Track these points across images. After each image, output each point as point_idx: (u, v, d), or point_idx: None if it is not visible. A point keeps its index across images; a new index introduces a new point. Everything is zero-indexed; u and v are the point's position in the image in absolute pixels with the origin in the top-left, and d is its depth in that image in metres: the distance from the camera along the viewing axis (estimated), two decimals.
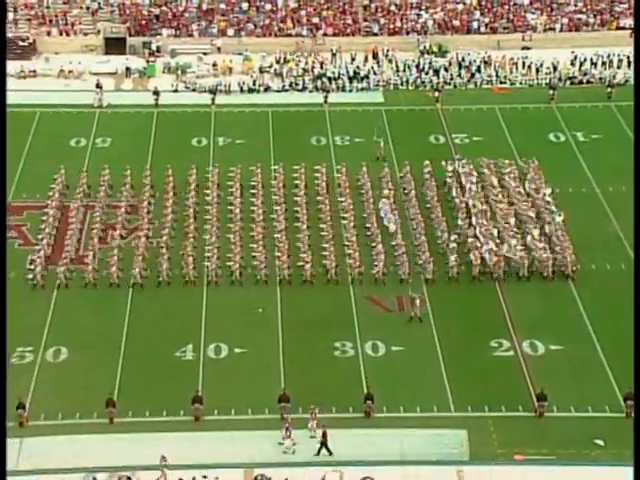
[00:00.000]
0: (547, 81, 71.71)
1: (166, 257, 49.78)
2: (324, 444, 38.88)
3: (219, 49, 75.95)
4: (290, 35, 77.46)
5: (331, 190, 56.44)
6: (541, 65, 72.83)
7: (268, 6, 79.42)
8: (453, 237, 51.35)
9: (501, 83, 72.33)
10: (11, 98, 67.23)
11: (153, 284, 49.08)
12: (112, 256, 49.81)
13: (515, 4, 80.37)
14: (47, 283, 48.91)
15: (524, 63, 73.64)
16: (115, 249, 50.52)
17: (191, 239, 51.54)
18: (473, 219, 53.03)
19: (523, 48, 76.48)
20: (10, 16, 77.20)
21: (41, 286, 48.75)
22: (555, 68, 72.61)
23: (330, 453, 38.80)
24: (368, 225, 53.09)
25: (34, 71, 72.40)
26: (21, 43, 75.39)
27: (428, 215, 54.04)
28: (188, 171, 57.63)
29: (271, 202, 55.26)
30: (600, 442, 39.66)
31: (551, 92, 69.44)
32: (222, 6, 79.25)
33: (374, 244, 51.02)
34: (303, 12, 79.13)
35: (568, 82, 72.03)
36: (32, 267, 49.14)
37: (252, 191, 56.01)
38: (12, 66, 71.78)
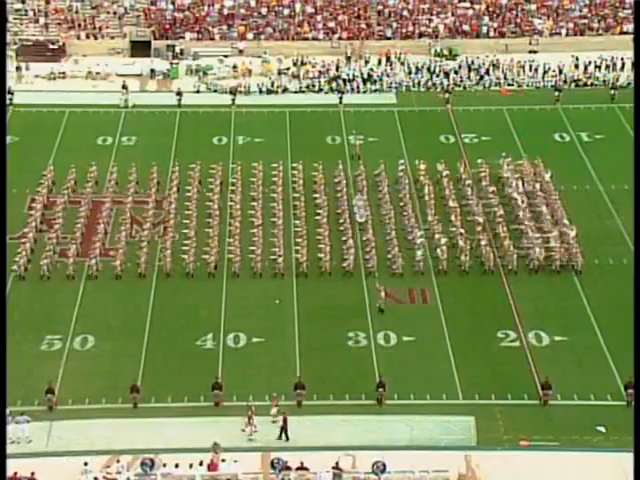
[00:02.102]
0: (553, 83, 71.45)
1: (145, 251, 49.93)
2: (284, 429, 38.89)
3: (241, 51, 75.94)
4: (307, 39, 77.39)
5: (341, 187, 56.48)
6: (548, 68, 72.57)
7: (286, 11, 79.38)
8: (420, 233, 51.27)
9: (509, 85, 72.09)
10: (41, 98, 67.90)
11: (175, 275, 49.21)
12: (140, 249, 50.12)
13: (523, 10, 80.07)
14: (30, 275, 48.77)
15: (531, 66, 73.38)
16: (144, 242, 50.78)
17: (170, 234, 51.56)
18: (520, 213, 53.03)
19: (530, 52, 76.21)
20: (41, 21, 77.51)
21: (22, 277, 48.67)
22: (560, 71, 72.35)
23: (287, 439, 38.79)
24: (341, 220, 53.00)
25: (63, 73, 72.56)
26: (51, 46, 75.58)
27: (400, 212, 54.00)
28: (209, 168, 57.86)
29: (281, 198, 55.47)
30: (602, 429, 39.55)
31: (556, 94, 69.18)
32: (242, 11, 79.21)
33: (345, 238, 51.00)
34: (319, 17, 79.03)
35: (573, 84, 71.75)
36: (17, 259, 49.11)
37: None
38: (43, 68, 72.16)
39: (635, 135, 60.55)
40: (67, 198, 55.05)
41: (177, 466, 36.12)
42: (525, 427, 39.75)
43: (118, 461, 36.51)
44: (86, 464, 35.88)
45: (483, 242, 50.39)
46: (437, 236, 50.94)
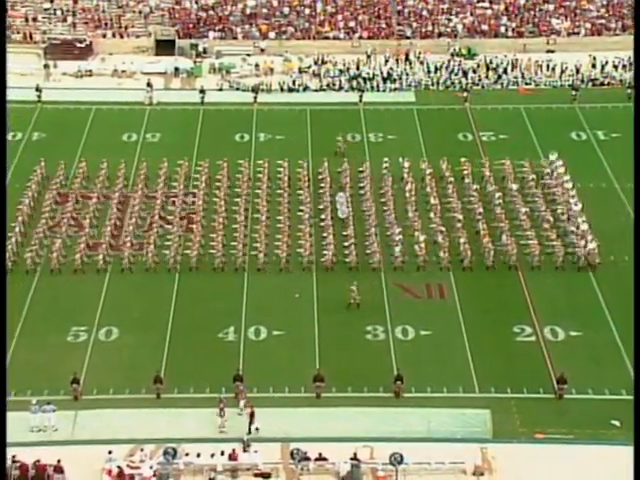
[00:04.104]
0: (570, 82, 71.10)
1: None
2: (251, 422, 38.82)
3: (263, 50, 75.97)
4: (328, 38, 77.33)
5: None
6: (565, 67, 72.23)
7: (307, 10, 79.37)
8: (398, 230, 51.23)
9: (526, 84, 71.79)
10: (69, 95, 68.16)
11: (199, 269, 49.37)
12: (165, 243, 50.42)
13: (541, 10, 79.69)
14: (16, 268, 48.73)
15: (548, 65, 73.02)
16: (169, 236, 50.99)
17: (155, 229, 51.62)
18: (573, 208, 52.93)
19: (547, 51, 75.85)
20: (69, 20, 77.83)
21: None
22: (578, 70, 71.96)
23: (257, 430, 38.61)
24: (323, 217, 53.00)
25: (90, 71, 72.79)
26: (79, 45, 75.83)
27: (382, 209, 53.95)
28: (231, 165, 58.05)
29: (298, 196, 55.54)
30: (616, 423, 39.41)
31: (574, 93, 68.86)
32: (265, 10, 79.28)
33: (325, 234, 51.03)
34: (340, 16, 78.96)
35: (590, 83, 71.38)
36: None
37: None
38: (70, 66, 72.46)
39: (635, 135, 60.26)
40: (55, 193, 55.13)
41: (199, 455, 36.33)
42: (540, 420, 39.67)
43: (142, 450, 36.71)
44: (110, 452, 36.13)
45: (462, 240, 50.39)
46: (416, 233, 50.99)
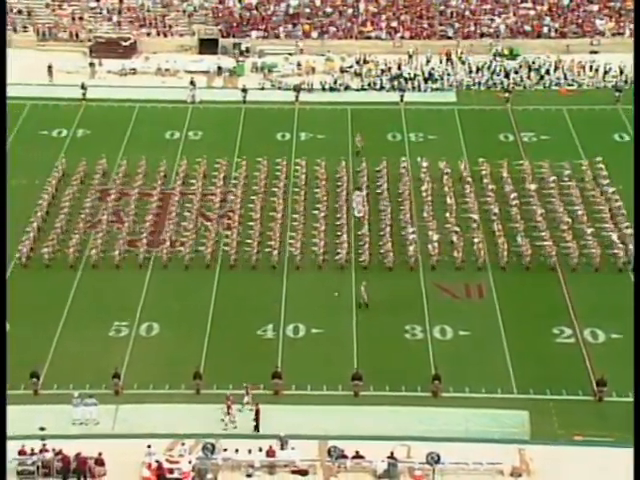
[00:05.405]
0: (613, 84, 70.35)
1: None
2: (256, 420, 38.75)
3: (301, 50, 76.01)
4: (370, 38, 77.22)
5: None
6: (609, 68, 71.47)
7: (350, 10, 79.32)
8: (412, 229, 50.96)
9: (569, 85, 71.15)
10: (113, 93, 68.75)
11: (239, 267, 49.54)
12: (206, 241, 50.60)
13: (585, 10, 78.92)
14: (31, 263, 49.27)
15: (591, 66, 72.33)
16: (209, 234, 51.23)
17: (170, 226, 51.98)
18: (623, 211, 53.06)
19: (591, 52, 75.12)
20: (114, 19, 78.52)
21: (24, 266, 49.12)
22: (621, 71, 71.17)
23: (257, 430, 38.54)
24: (339, 215, 52.97)
25: (134, 69, 73.39)
26: (123, 43, 76.46)
27: (398, 208, 53.74)
28: (268, 163, 58.37)
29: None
30: None
31: (617, 94, 68.17)
32: (307, 10, 79.36)
33: (340, 233, 50.93)
34: (383, 16, 78.81)
35: (634, 85, 70.51)
36: (20, 247, 49.63)
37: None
38: (115, 64, 73.09)
39: (635, 135, 59.48)
40: (74, 189, 55.65)
41: (237, 451, 36.46)
42: (579, 422, 39.28)
43: (183, 444, 36.89)
44: (149, 447, 36.36)
45: (476, 239, 50.26)
46: (430, 232, 50.81)
